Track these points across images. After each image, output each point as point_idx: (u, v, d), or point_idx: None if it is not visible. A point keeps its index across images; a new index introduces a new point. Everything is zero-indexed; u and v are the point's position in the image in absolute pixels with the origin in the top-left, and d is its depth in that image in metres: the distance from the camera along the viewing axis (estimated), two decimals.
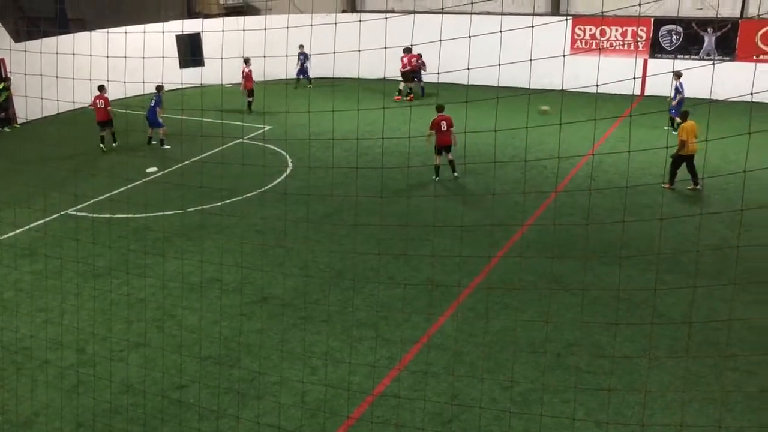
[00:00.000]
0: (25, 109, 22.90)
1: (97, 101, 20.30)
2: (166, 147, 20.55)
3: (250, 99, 24.65)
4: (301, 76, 27.92)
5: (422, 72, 25.94)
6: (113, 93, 24.65)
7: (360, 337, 10.51)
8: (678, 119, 17.58)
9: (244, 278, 12.34)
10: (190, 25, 28.06)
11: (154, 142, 20.89)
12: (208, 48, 28.01)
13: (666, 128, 20.29)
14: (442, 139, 16.83)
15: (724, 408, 8.75)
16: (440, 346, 10.24)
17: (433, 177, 17.16)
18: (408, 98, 25.61)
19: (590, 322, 10.52)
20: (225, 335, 10.61)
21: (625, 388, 9.19)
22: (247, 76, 24.49)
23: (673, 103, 19.79)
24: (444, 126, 16.74)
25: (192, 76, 27.60)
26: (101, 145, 20.50)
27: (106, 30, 23.56)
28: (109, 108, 20.39)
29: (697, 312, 10.83)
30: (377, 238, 13.71)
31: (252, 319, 11.11)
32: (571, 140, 18.92)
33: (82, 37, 23.52)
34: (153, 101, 20.45)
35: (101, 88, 20.11)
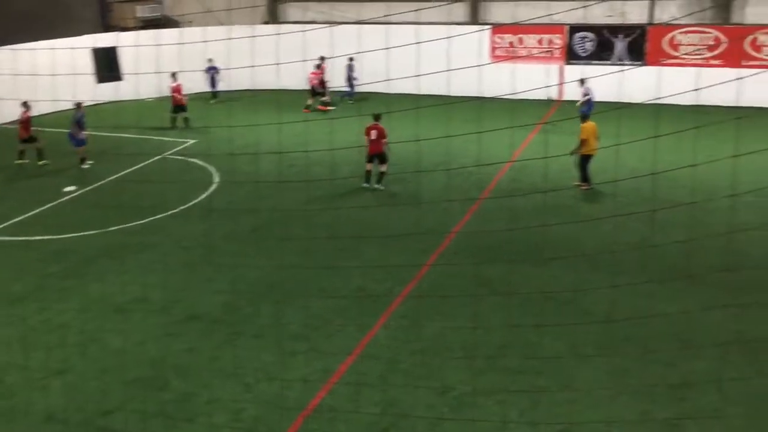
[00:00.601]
0: None
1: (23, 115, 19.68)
2: (86, 166, 19.62)
3: (184, 114, 23.94)
4: (213, 89, 27.33)
5: (353, 80, 25.98)
6: (17, 113, 23.76)
7: (293, 351, 10.39)
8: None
9: (170, 297, 12.03)
10: (105, 39, 27.34)
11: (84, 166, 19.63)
12: (125, 62, 27.31)
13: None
14: (373, 147, 17.09)
15: (649, 400, 9.07)
16: (374, 356, 10.24)
17: (364, 184, 17.31)
18: (324, 109, 25.50)
19: (520, 325, 10.73)
20: (152, 356, 10.30)
21: (555, 386, 9.41)
22: (176, 90, 23.92)
23: (582, 105, 21.01)
24: (374, 135, 17.00)
25: (110, 92, 26.86)
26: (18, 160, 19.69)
27: (9, 47, 22.75)
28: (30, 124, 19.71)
29: (619, 309, 11.21)
30: (307, 250, 13.62)
31: (180, 339, 10.83)
32: (495, 146, 19.32)
33: None
34: (76, 119, 19.40)
35: (24, 103, 19.55)
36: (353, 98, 26.37)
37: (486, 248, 13.66)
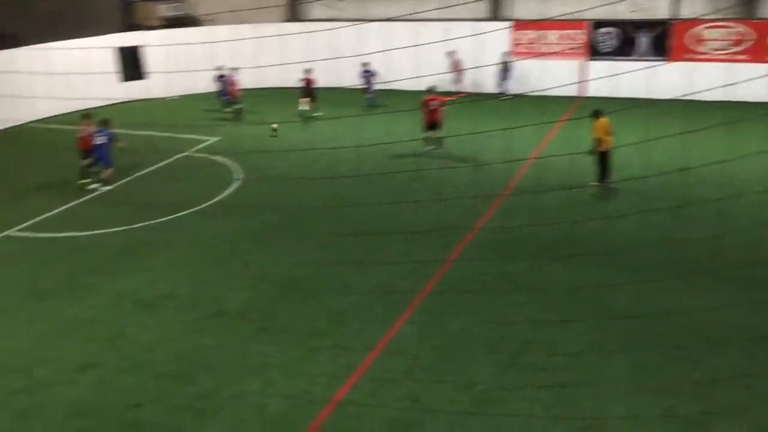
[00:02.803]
0: None
1: (83, 128, 18.02)
2: (105, 188, 17.87)
3: (238, 106, 24.58)
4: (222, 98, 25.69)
5: (372, 81, 25.75)
6: (51, 110, 24.14)
7: (317, 347, 10.47)
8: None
9: (197, 293, 12.17)
10: (130, 38, 27.63)
11: (95, 183, 17.98)
12: (149, 61, 27.58)
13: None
14: (432, 116, 19.34)
15: (674, 397, 9.03)
16: (398, 352, 10.29)
17: (424, 148, 19.54)
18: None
19: (543, 321, 10.73)
20: (179, 352, 10.44)
21: (579, 382, 9.39)
22: (231, 83, 24.39)
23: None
24: (434, 104, 19.31)
25: (134, 90, 27.15)
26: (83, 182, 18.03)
27: (41, 46, 23.08)
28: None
29: (644, 305, 11.15)
30: (331, 247, 13.70)
31: (206, 334, 10.96)
32: (517, 143, 19.27)
33: (15, 53, 22.91)
34: (103, 138, 17.78)
35: (87, 116, 18.11)
36: (373, 96, 26.04)
37: (509, 244, 13.65)
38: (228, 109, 24.78)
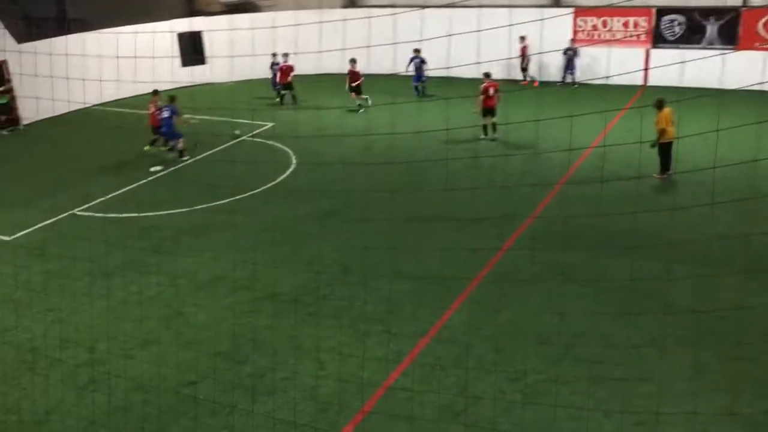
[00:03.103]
0: (36, 110, 22.98)
1: (151, 106, 19.47)
2: (185, 159, 19.24)
3: (292, 92, 24.90)
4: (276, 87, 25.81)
5: (424, 70, 25.38)
6: (117, 93, 24.81)
7: (368, 332, 10.55)
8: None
9: (251, 275, 12.40)
10: (192, 24, 28.15)
11: (171, 154, 19.35)
12: (209, 46, 28.05)
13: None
14: (488, 102, 19.28)
15: (732, 396, 8.78)
16: (449, 339, 10.28)
17: (481, 136, 19.61)
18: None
19: (599, 313, 10.55)
20: (235, 332, 10.67)
21: (634, 377, 9.22)
22: (285, 70, 24.71)
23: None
24: (491, 91, 19.24)
25: (194, 75, 27.68)
26: (149, 148, 19.53)
27: (101, 30, 23.73)
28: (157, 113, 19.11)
29: (703, 301, 10.85)
30: (384, 233, 13.75)
31: (260, 316, 11.17)
32: (576, 131, 18.88)
33: (83, 37, 23.62)
34: (166, 112, 18.84)
35: (155, 92, 19.54)
36: (423, 85, 25.50)
37: (564, 235, 13.44)
38: (284, 92, 25.03)
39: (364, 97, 23.95)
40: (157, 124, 19.23)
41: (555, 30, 24.98)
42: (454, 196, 15.15)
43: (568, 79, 26.03)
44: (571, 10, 25.91)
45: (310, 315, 11.13)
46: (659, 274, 11.60)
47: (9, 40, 22.84)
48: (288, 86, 24.91)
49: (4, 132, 22.60)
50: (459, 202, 15.06)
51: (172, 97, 19.34)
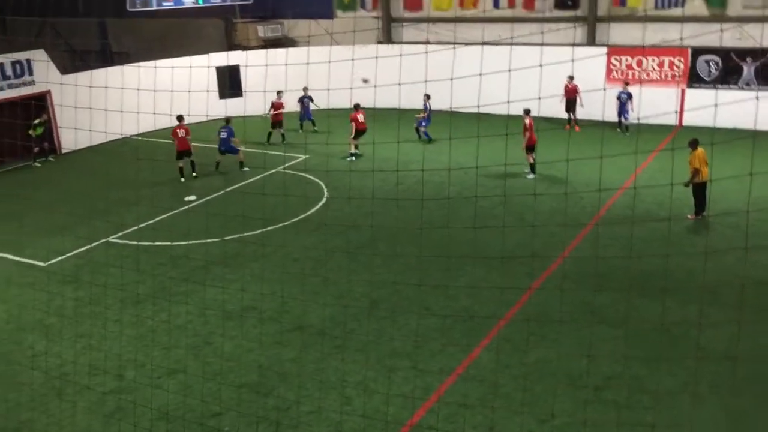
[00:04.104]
0: (74, 140, 23.62)
1: (178, 131, 20.54)
2: (246, 169, 21.19)
3: (281, 130, 24.41)
4: (306, 119, 26.01)
5: (427, 110, 25.09)
6: (150, 125, 25.32)
7: (395, 367, 10.47)
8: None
9: (281, 307, 12.43)
10: (229, 57, 28.74)
11: (222, 170, 21.04)
12: (245, 79, 28.53)
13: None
14: (534, 137, 19.18)
15: None
16: (476, 378, 10.16)
17: (526, 172, 19.51)
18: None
19: (629, 356, 10.34)
20: (261, 363, 10.68)
21: (665, 424, 8.98)
22: (277, 107, 24.38)
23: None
24: (527, 128, 19.17)
25: (229, 107, 28.16)
26: (181, 178, 20.60)
27: (141, 63, 24.38)
28: (189, 137, 20.59)
29: (740, 346, 10.57)
30: (413, 268, 13.72)
31: (288, 348, 11.16)
32: (608, 170, 18.75)
33: (123, 69, 24.23)
34: (224, 133, 20.89)
35: (180, 118, 20.44)
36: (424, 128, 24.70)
37: (596, 275, 13.26)
38: (272, 130, 24.47)
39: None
40: (185, 147, 20.59)
41: (587, 69, 24.94)
42: (483, 233, 15.08)
43: (623, 124, 25.00)
44: (605, 49, 25.91)
45: (336, 348, 11.09)
46: (693, 318, 11.35)
47: (53, 72, 23.54)
48: (278, 124, 24.38)
49: (37, 163, 23.12)
50: (488, 240, 14.99)
51: (227, 119, 21.24)
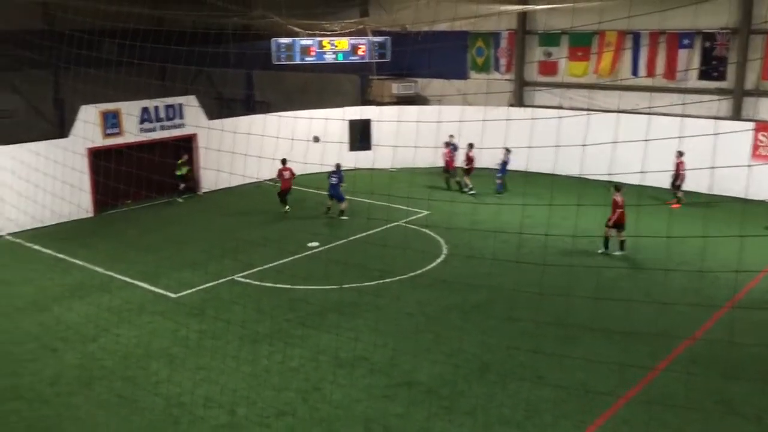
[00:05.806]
0: (215, 181, 25.14)
1: (284, 172, 22.35)
2: (344, 218, 21.87)
3: (286, 206, 22.57)
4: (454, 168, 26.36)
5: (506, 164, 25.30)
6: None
7: None
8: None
9: (391, 359, 12.40)
10: (362, 112, 29.72)
11: (332, 215, 22.17)
12: (376, 134, 29.34)
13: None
14: (621, 216, 18.13)
15: None
16: None
17: (599, 250, 18.40)
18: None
19: None
20: (368, 416, 10.63)
21: None
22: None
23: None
24: (620, 203, 18.16)
25: (359, 159, 28.96)
26: (286, 208, 22.39)
27: (282, 114, 25.69)
28: (293, 178, 22.46)
29: None
30: (528, 334, 13.32)
31: (395, 403, 11.07)
32: (750, 250, 17.57)
33: (264, 118, 25.69)
34: (334, 179, 22.04)
35: (284, 161, 22.25)
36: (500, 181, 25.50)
37: (731, 362, 12.27)
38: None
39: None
40: (288, 187, 22.36)
41: (730, 144, 23.66)
42: (605, 305, 14.46)
43: None
44: (752, 124, 24.54)
45: (444, 409, 10.87)
46: None
47: (201, 117, 25.30)
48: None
49: (180, 199, 24.73)
50: (611, 312, 14.34)
51: (338, 165, 22.22)
